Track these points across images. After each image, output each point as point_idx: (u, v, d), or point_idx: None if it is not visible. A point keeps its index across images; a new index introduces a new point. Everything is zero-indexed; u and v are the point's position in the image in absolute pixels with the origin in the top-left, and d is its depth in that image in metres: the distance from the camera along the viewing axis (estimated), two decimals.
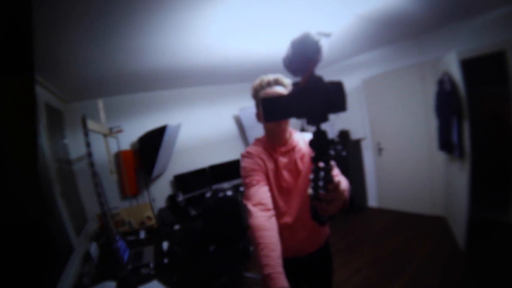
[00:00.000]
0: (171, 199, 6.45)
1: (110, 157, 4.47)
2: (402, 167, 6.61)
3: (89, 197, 5.13)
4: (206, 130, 7.32)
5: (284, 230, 1.96)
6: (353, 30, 4.73)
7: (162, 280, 3.14)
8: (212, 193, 4.79)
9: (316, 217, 1.28)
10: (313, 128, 1.04)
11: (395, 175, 6.82)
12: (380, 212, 7.11)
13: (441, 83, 4.77)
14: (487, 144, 5.44)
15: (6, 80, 0.90)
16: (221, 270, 4.32)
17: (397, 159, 6.70)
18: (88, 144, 3.17)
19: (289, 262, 1.75)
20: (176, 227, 5.53)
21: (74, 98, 5.49)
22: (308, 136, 2.24)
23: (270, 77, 2.01)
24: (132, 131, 6.03)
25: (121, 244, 3.83)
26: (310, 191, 1.14)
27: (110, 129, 4.82)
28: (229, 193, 4.68)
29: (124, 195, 6.08)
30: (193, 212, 5.67)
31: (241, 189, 5.64)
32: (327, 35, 4.62)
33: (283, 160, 2.07)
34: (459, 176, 4.63)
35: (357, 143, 7.44)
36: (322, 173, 1.07)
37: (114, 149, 5.58)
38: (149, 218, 5.23)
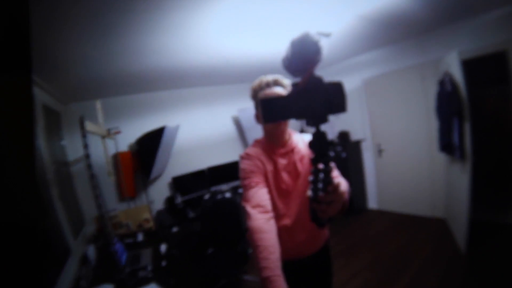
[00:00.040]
0: (169, 201, 6.43)
1: (108, 159, 4.46)
2: (402, 168, 6.62)
3: (87, 199, 5.13)
4: (205, 132, 7.32)
5: (283, 232, 1.96)
6: (353, 30, 4.73)
7: (160, 283, 3.14)
8: (211, 195, 4.79)
9: (316, 219, 1.27)
10: (312, 129, 1.04)
11: (395, 176, 6.82)
12: (380, 214, 7.11)
13: (442, 83, 4.77)
14: (488, 145, 5.43)
15: (2, 80, 0.90)
16: (220, 273, 4.31)
17: (397, 161, 6.70)
18: (86, 146, 3.17)
19: (288, 265, 1.76)
20: (174, 229, 5.53)
21: (71, 99, 5.48)
22: (307, 137, 2.24)
23: (270, 77, 2.01)
24: (130, 133, 6.03)
25: (118, 246, 3.83)
26: (309, 193, 1.13)
27: (108, 131, 4.82)
28: (228, 195, 4.67)
29: (122, 197, 6.08)
30: (191, 214, 5.67)
31: (240, 191, 5.66)
32: (327, 35, 4.62)
33: (282, 161, 2.07)
34: (460, 177, 4.63)
35: (357, 144, 7.44)
36: (321, 175, 1.06)
37: (112, 150, 5.59)
38: (147, 220, 5.23)
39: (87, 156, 3.20)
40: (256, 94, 2.06)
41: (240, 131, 7.92)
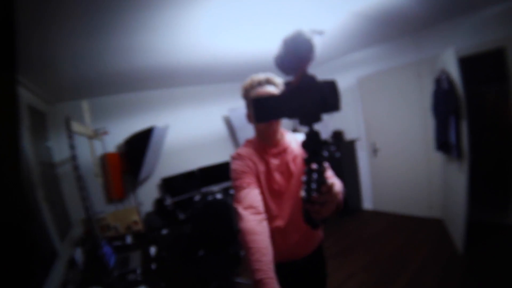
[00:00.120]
0: (159, 202, 6.42)
1: (95, 160, 4.47)
2: (398, 168, 6.64)
3: (74, 202, 5.08)
4: (195, 132, 7.32)
5: (276, 234, 1.97)
6: (347, 27, 4.75)
7: (149, 287, 3.14)
8: (201, 196, 4.78)
9: (309, 220, 1.28)
10: (305, 129, 1.04)
11: (391, 176, 6.85)
12: (376, 214, 7.14)
13: (438, 81, 4.79)
14: (486, 144, 5.46)
15: None
16: (211, 276, 4.32)
17: (393, 160, 6.73)
18: (72, 147, 3.17)
19: (281, 267, 1.77)
20: (164, 231, 5.52)
21: (57, 99, 5.46)
22: (300, 137, 2.24)
23: (261, 76, 2.01)
24: (118, 133, 6.02)
25: (107, 249, 3.82)
26: (302, 193, 1.13)
27: (95, 131, 4.81)
28: (219, 196, 4.67)
29: (109, 199, 6.06)
30: (181, 216, 5.66)
31: (231, 192, 5.67)
32: (320, 32, 4.63)
33: (274, 162, 2.07)
34: (457, 177, 4.65)
35: (351, 144, 7.47)
36: (315, 175, 1.06)
37: (99, 151, 5.58)
38: (136, 222, 5.22)
39: (73, 157, 3.19)
40: (247, 93, 2.05)
41: (231, 131, 7.93)
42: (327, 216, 1.24)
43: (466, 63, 4.67)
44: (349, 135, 7.62)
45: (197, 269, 4.34)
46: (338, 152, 7.01)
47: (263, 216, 1.79)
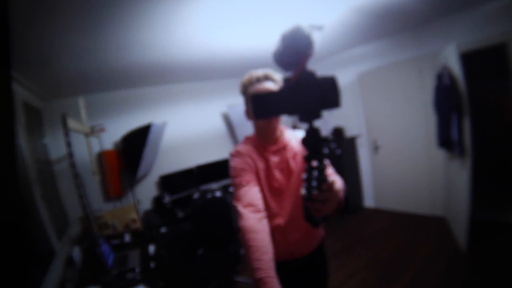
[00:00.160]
0: (157, 200, 6.43)
1: (92, 158, 4.47)
2: (399, 165, 6.64)
3: (71, 199, 5.09)
4: (193, 129, 7.32)
5: (276, 232, 1.97)
6: (347, 22, 4.74)
7: (148, 285, 3.14)
8: (200, 194, 4.78)
9: (310, 218, 1.28)
10: (305, 126, 1.03)
11: (392, 174, 6.84)
12: (377, 212, 7.14)
13: (440, 77, 4.79)
14: (488, 141, 5.45)
15: None
16: (211, 275, 4.32)
17: (394, 157, 6.73)
18: (68, 144, 3.17)
19: (281, 266, 1.77)
20: (163, 230, 5.53)
21: (53, 95, 5.45)
22: (300, 134, 2.24)
23: (260, 72, 2.00)
24: (115, 130, 6.02)
25: (105, 248, 3.82)
26: (303, 191, 1.14)
27: (92, 128, 4.81)
28: (218, 194, 4.67)
29: (107, 197, 6.07)
30: (180, 214, 5.66)
31: (231, 189, 5.67)
32: (320, 27, 4.62)
33: (274, 159, 2.07)
34: (460, 174, 4.66)
35: (352, 141, 7.47)
36: (315, 173, 1.07)
37: (96, 149, 5.60)
38: (134, 220, 5.22)
39: (70, 155, 3.19)
40: (246, 90, 2.04)
41: (230, 128, 7.92)
42: (328, 214, 1.24)
43: (468, 59, 4.66)
44: (349, 132, 7.62)
45: (197, 268, 4.35)
46: (339, 149, 6.96)
47: (263, 214, 1.79)
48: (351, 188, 7.16)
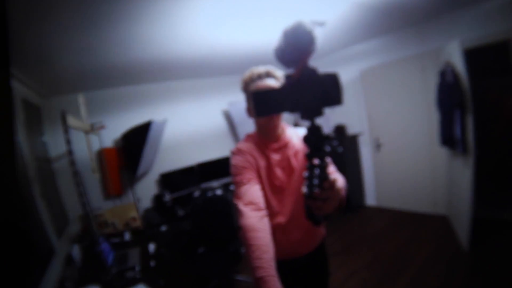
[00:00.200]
0: (158, 199, 6.42)
1: (92, 155, 4.47)
2: (402, 163, 6.64)
3: (71, 197, 5.11)
4: (194, 126, 7.32)
5: (277, 231, 1.97)
6: (349, 18, 4.72)
7: (148, 284, 3.14)
8: (201, 192, 4.78)
9: (311, 216, 1.28)
10: (307, 123, 1.04)
11: (394, 172, 6.84)
12: (379, 211, 7.14)
13: (443, 74, 4.78)
14: (491, 139, 5.45)
15: None
16: (211, 273, 4.32)
17: (396, 155, 6.72)
18: (68, 142, 3.17)
19: (282, 265, 1.76)
20: (163, 228, 5.53)
21: (53, 92, 5.45)
22: (301, 131, 2.24)
23: (261, 69, 2.00)
24: (115, 128, 6.01)
25: (105, 246, 3.83)
26: (304, 189, 1.13)
27: (92, 126, 4.81)
28: (219, 192, 4.68)
29: (107, 195, 6.07)
30: (180, 213, 5.67)
31: (232, 188, 5.67)
32: (321, 24, 4.62)
33: (275, 157, 2.07)
34: (462, 172, 4.65)
35: (354, 139, 7.46)
36: (317, 171, 1.06)
37: (96, 146, 5.59)
38: (134, 219, 5.22)
39: (70, 152, 3.19)
40: (247, 87, 2.04)
41: (231, 126, 7.92)
42: (329, 213, 1.24)
43: (472, 55, 4.65)
44: (351, 130, 7.60)
45: (197, 267, 4.35)
46: (341, 147, 6.87)
47: (264, 212, 1.79)
48: (352, 186, 7.15)
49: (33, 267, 3.07)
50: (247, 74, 2.04)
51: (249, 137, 2.20)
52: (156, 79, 6.56)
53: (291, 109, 1.00)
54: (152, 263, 3.79)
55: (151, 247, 4.27)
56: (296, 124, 8.17)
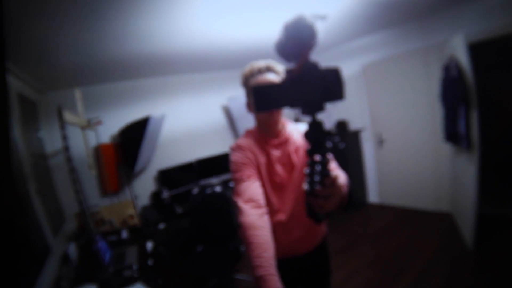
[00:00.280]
0: (155, 196, 6.41)
1: (89, 151, 4.46)
2: (405, 160, 6.63)
3: (67, 195, 5.10)
4: (193, 122, 7.32)
5: (277, 229, 1.97)
6: (351, 11, 4.72)
7: (146, 283, 3.14)
8: (200, 189, 4.79)
9: (312, 214, 1.27)
10: (308, 119, 1.03)
11: (397, 168, 6.84)
12: (382, 208, 7.14)
13: (447, 68, 4.77)
14: (496, 134, 5.45)
15: None
16: (210, 272, 4.32)
17: (399, 151, 6.72)
18: (64, 137, 3.16)
19: (283, 263, 1.76)
20: (161, 226, 5.53)
21: (49, 87, 5.45)
22: (302, 127, 2.24)
23: (261, 63, 2.00)
24: (112, 123, 6.01)
25: (101, 244, 3.83)
26: (305, 186, 1.13)
27: (89, 121, 4.80)
28: (218, 189, 4.68)
29: (104, 192, 6.07)
30: (179, 210, 5.68)
31: (231, 184, 5.66)
32: (323, 17, 4.61)
33: (276, 153, 2.07)
34: (467, 169, 4.65)
35: (356, 135, 7.45)
36: (318, 167, 1.06)
37: (93, 142, 5.59)
38: (131, 216, 5.23)
39: (66, 148, 3.19)
40: (247, 81, 2.04)
41: (230, 121, 7.92)
42: (331, 210, 1.23)
43: (476, 49, 4.63)
44: (353, 125, 7.60)
45: (196, 265, 4.35)
46: (342, 143, 6.98)
47: (264, 210, 1.79)
48: (354, 183, 7.14)
49: (28, 266, 3.07)
50: (247, 68, 2.04)
51: (249, 133, 2.20)
52: (154, 74, 6.55)
53: (292, 104, 1.00)
54: (150, 262, 3.80)
55: (149, 245, 4.27)
56: (297, 120, 8.17)
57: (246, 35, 4.95)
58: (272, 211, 1.99)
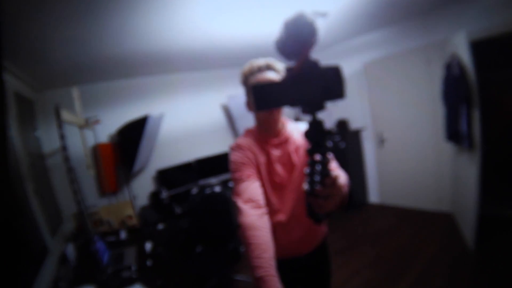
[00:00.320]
0: (154, 196, 6.41)
1: (87, 151, 4.46)
2: (406, 159, 6.63)
3: (65, 195, 5.11)
4: (192, 121, 7.31)
5: (277, 229, 1.97)
6: (352, 8, 4.72)
7: (145, 284, 3.14)
8: (199, 189, 4.79)
9: (312, 214, 1.27)
10: (308, 118, 1.03)
11: (398, 168, 6.84)
12: (382, 208, 7.14)
13: (448, 67, 4.77)
14: (498, 134, 5.44)
15: None
16: (209, 273, 4.32)
17: (400, 151, 6.72)
18: (62, 137, 3.16)
19: (283, 264, 1.76)
20: (160, 226, 5.53)
21: (46, 86, 5.44)
22: (303, 126, 2.24)
23: (261, 61, 1.99)
24: (110, 122, 6.01)
25: (100, 245, 3.82)
26: (305, 186, 1.13)
27: (87, 120, 4.81)
28: (217, 189, 4.67)
29: (102, 192, 6.07)
30: (178, 210, 5.67)
31: (231, 184, 5.67)
32: (324, 14, 4.61)
33: (276, 152, 2.06)
34: (468, 168, 4.65)
35: (356, 134, 7.46)
36: (318, 167, 1.06)
37: (91, 142, 5.59)
38: (130, 217, 5.23)
39: (64, 148, 3.19)
40: (247, 80, 2.03)
41: (230, 120, 7.92)
42: (331, 210, 1.23)
43: (478, 47, 4.62)
44: (354, 125, 7.60)
45: (195, 266, 4.35)
46: (343, 142, 6.98)
47: (264, 210, 1.79)
48: (355, 183, 7.15)
49: (26, 266, 3.07)
50: (246, 66, 2.03)
51: (248, 132, 2.19)
52: (153, 72, 6.55)
53: (292, 103, 1.00)
54: (149, 263, 3.80)
55: (148, 246, 4.27)
56: (297, 119, 8.18)
57: (246, 33, 4.95)
58: (272, 211, 1.98)
